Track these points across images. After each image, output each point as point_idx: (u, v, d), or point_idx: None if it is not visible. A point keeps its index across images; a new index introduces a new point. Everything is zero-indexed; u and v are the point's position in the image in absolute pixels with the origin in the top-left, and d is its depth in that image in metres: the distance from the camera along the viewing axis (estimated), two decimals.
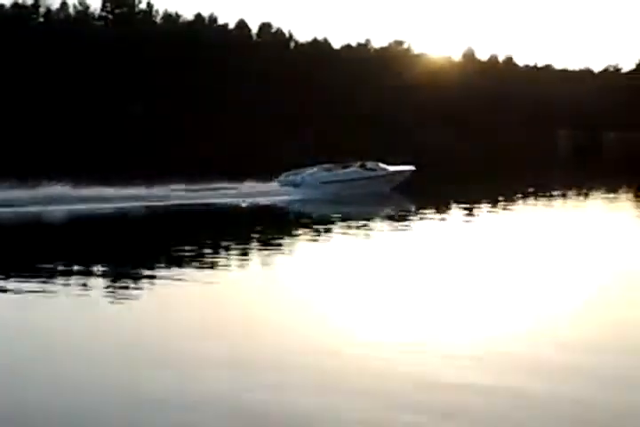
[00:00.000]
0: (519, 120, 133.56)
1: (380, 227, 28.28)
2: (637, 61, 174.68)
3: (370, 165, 40.08)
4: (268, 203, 34.57)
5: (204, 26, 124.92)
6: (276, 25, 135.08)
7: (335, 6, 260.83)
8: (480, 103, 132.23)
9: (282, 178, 38.18)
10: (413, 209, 34.61)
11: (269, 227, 28.38)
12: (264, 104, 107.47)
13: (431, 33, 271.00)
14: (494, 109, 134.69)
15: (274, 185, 37.70)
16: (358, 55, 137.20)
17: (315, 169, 38.85)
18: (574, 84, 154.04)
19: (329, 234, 26.44)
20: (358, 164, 39.57)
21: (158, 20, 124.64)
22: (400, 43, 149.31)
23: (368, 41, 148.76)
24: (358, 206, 35.51)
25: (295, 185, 37.62)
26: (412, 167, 41.59)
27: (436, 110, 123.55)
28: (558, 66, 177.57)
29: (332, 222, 28.96)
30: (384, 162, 40.28)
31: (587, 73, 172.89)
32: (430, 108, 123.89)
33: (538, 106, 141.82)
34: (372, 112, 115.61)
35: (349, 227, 27.46)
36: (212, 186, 35.66)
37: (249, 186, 37.04)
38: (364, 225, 27.85)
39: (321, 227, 27.74)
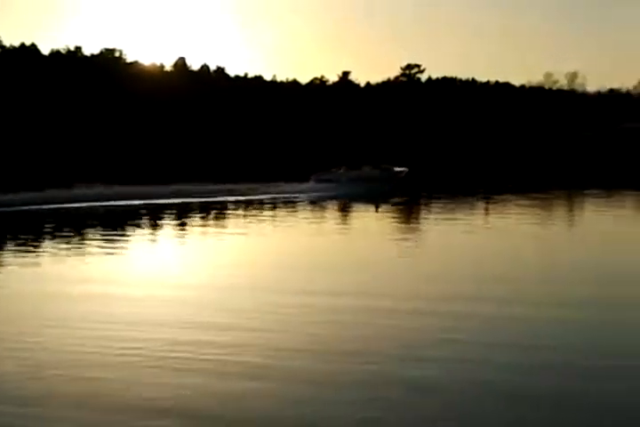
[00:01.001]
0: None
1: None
2: (340, 74, 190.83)
3: (384, 166, 52.55)
4: (306, 199, 46.15)
5: None
6: None
7: (44, 12, 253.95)
8: (190, 111, 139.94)
9: (314, 177, 50.72)
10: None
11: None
12: None
13: (144, 41, 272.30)
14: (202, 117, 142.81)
15: (310, 184, 49.47)
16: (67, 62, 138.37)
17: (341, 170, 51.79)
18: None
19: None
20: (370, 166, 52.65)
21: None
22: (112, 51, 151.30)
23: (78, 48, 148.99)
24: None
25: (329, 182, 49.22)
26: (406, 168, 53.78)
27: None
28: (268, 77, 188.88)
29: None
30: None
31: (292, 84, 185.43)
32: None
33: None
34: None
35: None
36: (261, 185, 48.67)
37: (290, 185, 49.00)
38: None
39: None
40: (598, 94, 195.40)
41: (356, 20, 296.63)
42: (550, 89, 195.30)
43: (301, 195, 46.64)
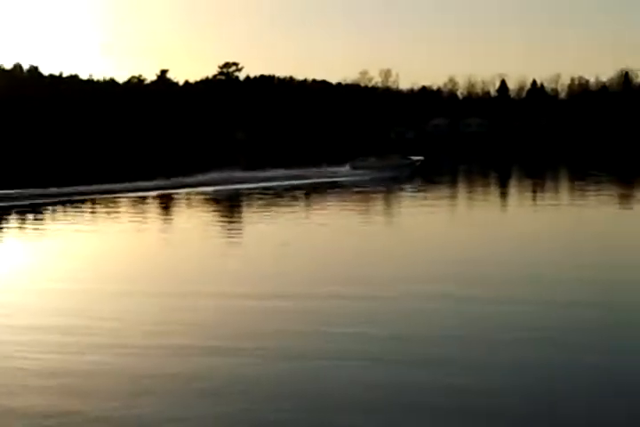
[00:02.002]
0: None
1: None
2: (158, 73, 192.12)
3: (405, 156, 65.29)
4: (348, 180, 55.78)
5: None
6: None
7: None
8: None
9: (351, 164, 62.34)
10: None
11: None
12: None
13: None
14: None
15: (346, 168, 61.39)
16: None
17: (373, 158, 63.65)
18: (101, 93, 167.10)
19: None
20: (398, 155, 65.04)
21: None
22: None
23: None
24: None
25: (364, 168, 60.30)
26: (422, 157, 65.54)
27: None
28: (84, 76, 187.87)
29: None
30: None
31: (110, 83, 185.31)
32: None
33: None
34: None
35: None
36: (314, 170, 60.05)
37: (331, 170, 60.62)
38: None
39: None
40: (411, 91, 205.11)
41: (177, 19, 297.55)
42: (366, 86, 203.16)
43: (343, 178, 56.89)
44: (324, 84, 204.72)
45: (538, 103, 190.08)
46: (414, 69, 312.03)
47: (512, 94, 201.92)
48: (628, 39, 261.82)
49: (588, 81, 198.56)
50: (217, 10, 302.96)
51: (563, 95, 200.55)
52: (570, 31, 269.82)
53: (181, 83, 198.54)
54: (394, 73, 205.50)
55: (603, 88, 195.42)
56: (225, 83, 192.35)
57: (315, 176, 56.87)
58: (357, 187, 50.24)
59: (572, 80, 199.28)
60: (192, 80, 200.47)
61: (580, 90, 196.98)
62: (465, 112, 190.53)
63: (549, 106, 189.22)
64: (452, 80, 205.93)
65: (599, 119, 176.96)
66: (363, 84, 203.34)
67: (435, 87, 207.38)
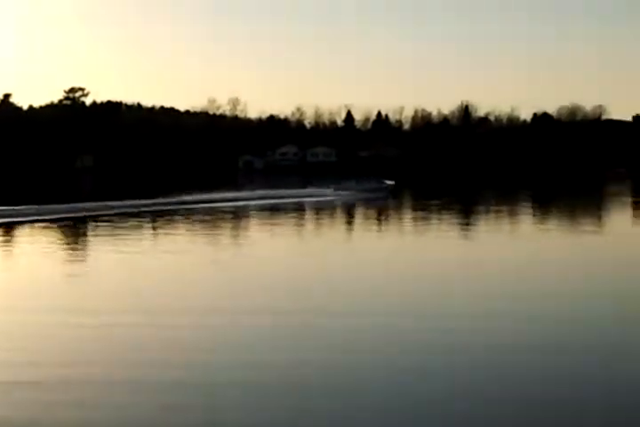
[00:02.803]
0: None
1: None
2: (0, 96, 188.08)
3: (381, 180, 74.96)
4: (329, 199, 64.32)
5: None
6: None
7: None
8: None
9: (333, 186, 71.27)
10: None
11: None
12: None
13: None
14: None
15: (330, 190, 70.06)
16: None
17: (353, 182, 73.38)
18: None
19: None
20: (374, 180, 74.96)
21: None
22: None
23: None
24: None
25: (344, 190, 69.81)
26: (393, 182, 75.53)
27: None
28: None
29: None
30: None
31: None
32: None
33: None
34: None
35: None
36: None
37: (312, 190, 71.59)
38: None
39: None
40: (259, 120, 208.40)
41: (22, 42, 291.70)
42: (214, 114, 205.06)
43: (328, 198, 65.45)
44: (172, 111, 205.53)
45: (383, 134, 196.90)
46: (262, 98, 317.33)
47: (358, 125, 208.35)
48: (469, 73, 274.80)
49: (430, 113, 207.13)
50: (62, 33, 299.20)
51: (407, 126, 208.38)
52: (414, 64, 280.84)
53: (25, 107, 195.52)
54: (242, 101, 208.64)
55: (444, 120, 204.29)
56: (70, 108, 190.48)
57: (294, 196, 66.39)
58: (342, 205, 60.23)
59: (416, 112, 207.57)
60: (37, 105, 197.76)
61: (423, 122, 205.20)
62: (312, 141, 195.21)
63: (394, 136, 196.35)
64: (299, 109, 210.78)
65: (441, 150, 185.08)
66: (211, 112, 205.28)
67: (282, 116, 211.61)
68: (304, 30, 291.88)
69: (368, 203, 61.02)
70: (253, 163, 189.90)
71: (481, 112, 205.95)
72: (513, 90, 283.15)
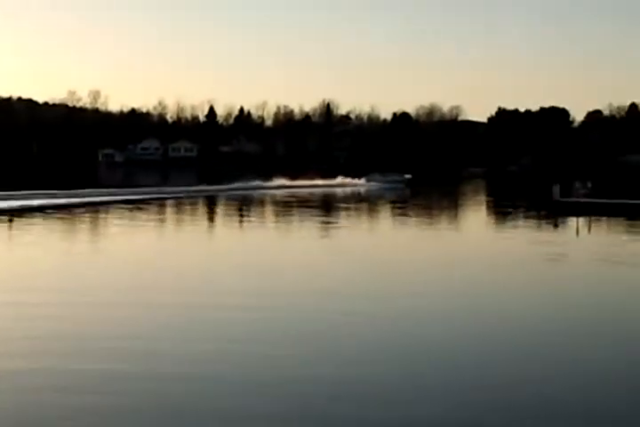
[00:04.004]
0: None
1: None
2: None
3: (399, 174, 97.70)
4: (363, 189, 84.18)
5: None
6: None
7: None
8: None
9: (366, 177, 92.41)
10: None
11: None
12: None
13: None
14: None
15: (363, 180, 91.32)
16: None
17: (378, 174, 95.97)
18: None
19: None
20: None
21: None
22: None
23: None
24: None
25: (375, 181, 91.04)
26: (410, 175, 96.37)
27: None
28: None
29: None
30: None
31: None
32: None
33: None
34: None
35: None
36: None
37: (349, 180, 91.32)
38: None
39: None
40: (120, 114, 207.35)
41: None
42: (74, 106, 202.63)
43: (363, 187, 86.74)
44: (30, 102, 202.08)
45: (245, 129, 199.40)
46: (124, 91, 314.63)
47: (220, 120, 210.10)
48: (332, 71, 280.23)
49: (292, 110, 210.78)
50: None
51: (269, 123, 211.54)
52: (278, 61, 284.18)
53: None
54: (103, 94, 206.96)
55: (306, 117, 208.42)
56: None
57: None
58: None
59: (278, 108, 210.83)
60: None
61: (285, 118, 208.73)
62: (174, 136, 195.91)
63: (256, 132, 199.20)
64: (161, 104, 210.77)
65: (301, 147, 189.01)
66: (71, 104, 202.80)
67: (144, 110, 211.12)
68: (165, 24, 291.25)
69: (394, 190, 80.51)
70: (114, 156, 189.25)
71: (342, 110, 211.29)
72: (374, 89, 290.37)
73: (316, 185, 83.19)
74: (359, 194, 74.66)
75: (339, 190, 78.72)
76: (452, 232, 37.76)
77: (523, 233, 35.91)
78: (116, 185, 74.91)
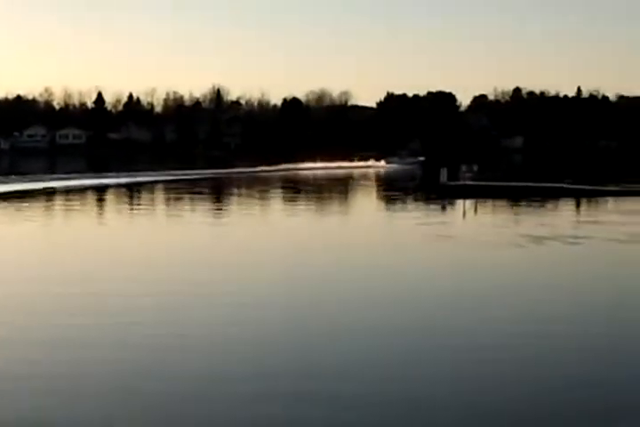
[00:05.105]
0: None
1: None
2: None
3: (417, 156, 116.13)
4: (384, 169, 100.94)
5: None
6: None
7: None
8: None
9: (387, 159, 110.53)
10: None
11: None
12: None
13: None
14: None
15: (383, 162, 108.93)
16: None
17: (397, 157, 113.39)
18: None
19: None
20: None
21: None
22: None
23: None
24: None
25: (394, 162, 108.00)
26: (423, 158, 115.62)
27: None
28: None
29: None
30: None
31: None
32: None
33: None
34: None
35: None
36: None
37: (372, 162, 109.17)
38: None
39: None
40: (6, 100, 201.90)
41: None
42: None
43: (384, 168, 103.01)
44: None
45: (134, 116, 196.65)
46: (10, 77, 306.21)
47: (109, 107, 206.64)
48: (223, 57, 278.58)
49: (182, 96, 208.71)
50: None
51: (158, 109, 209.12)
52: (164, 45, 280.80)
53: None
54: None
55: (197, 103, 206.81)
56: None
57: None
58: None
59: (167, 94, 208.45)
60: None
61: (175, 104, 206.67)
62: (62, 123, 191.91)
63: (145, 119, 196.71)
64: (47, 90, 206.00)
65: (193, 133, 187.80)
66: None
67: (30, 97, 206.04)
68: (50, 9, 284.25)
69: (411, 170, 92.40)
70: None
71: (233, 96, 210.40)
72: (265, 74, 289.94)
73: (348, 166, 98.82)
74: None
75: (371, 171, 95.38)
76: (336, 217, 38.47)
77: (408, 217, 36.82)
78: None
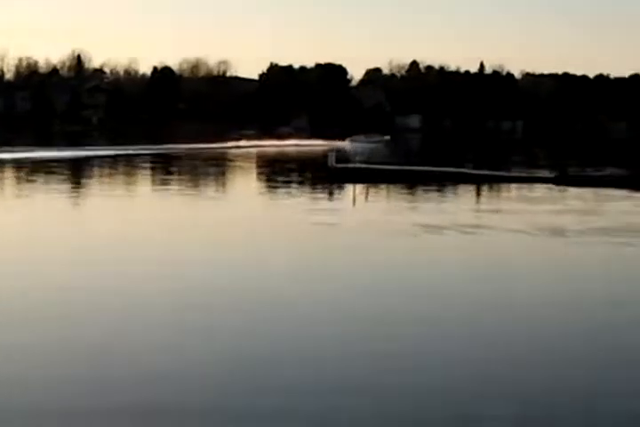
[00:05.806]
0: None
1: None
2: None
3: (379, 135, 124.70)
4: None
5: None
6: None
7: None
8: None
9: (349, 139, 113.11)
10: None
11: None
12: None
13: None
14: None
15: (347, 142, 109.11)
16: None
17: (363, 136, 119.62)
18: None
19: None
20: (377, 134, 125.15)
21: None
22: None
23: None
24: None
25: (357, 142, 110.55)
26: (388, 136, 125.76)
27: None
28: None
29: None
30: None
31: None
32: None
33: None
34: None
35: None
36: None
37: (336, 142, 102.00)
38: None
39: None
40: None
41: None
42: None
43: (349, 146, 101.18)
44: None
45: None
46: None
47: None
48: (80, 20, 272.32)
49: (37, 62, 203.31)
50: None
51: (9, 76, 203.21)
52: (20, 2, 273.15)
53: None
54: None
55: (54, 70, 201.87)
56: None
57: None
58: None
59: (20, 60, 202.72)
60: None
61: (29, 71, 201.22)
62: None
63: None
64: None
65: (49, 104, 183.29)
66: None
67: None
68: None
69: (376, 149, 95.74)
70: None
71: (96, 63, 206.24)
72: (133, 40, 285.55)
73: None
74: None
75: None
76: (212, 202, 37.89)
77: (290, 204, 36.39)
78: None
